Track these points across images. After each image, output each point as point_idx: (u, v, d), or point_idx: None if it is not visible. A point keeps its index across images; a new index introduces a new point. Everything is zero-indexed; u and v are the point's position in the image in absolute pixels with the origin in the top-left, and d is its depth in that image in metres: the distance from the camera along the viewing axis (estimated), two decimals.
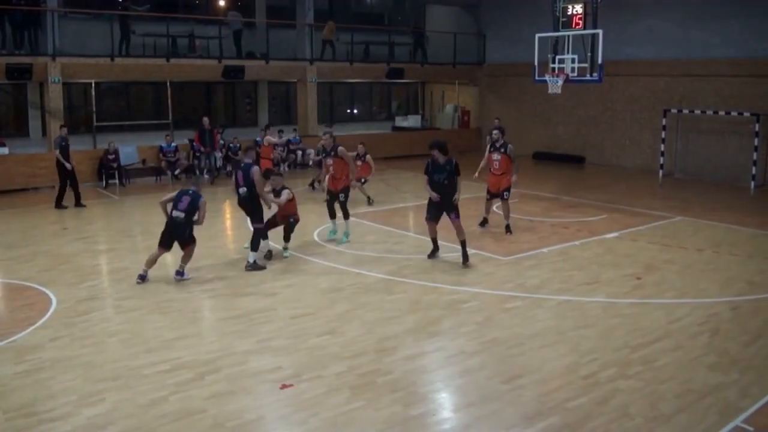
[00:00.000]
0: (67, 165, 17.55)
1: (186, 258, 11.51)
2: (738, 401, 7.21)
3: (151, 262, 11.39)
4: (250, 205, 12.31)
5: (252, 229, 12.45)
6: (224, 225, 16.15)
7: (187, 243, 11.46)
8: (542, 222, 15.73)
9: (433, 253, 12.78)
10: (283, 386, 7.50)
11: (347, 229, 14.09)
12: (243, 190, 12.15)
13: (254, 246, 12.13)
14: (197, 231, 11.60)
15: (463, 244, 12.33)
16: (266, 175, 13.11)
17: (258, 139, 20.60)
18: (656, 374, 7.87)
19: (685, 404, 7.13)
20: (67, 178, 17.67)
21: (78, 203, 17.87)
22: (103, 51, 21.54)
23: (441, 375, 8.01)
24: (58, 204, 17.59)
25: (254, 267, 12.02)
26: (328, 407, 7.04)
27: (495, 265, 12.47)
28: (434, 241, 12.76)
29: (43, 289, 10.87)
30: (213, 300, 10.61)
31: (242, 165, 12.28)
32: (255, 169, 12.10)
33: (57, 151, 17.62)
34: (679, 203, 18.43)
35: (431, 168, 12.17)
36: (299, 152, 24.69)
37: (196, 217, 11.31)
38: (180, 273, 11.46)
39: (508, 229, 14.66)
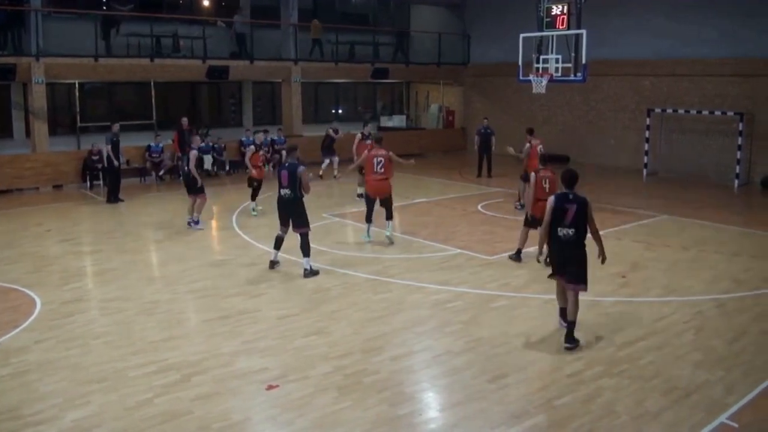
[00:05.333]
0: (115, 162, 18.38)
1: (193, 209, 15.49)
2: (723, 398, 7.26)
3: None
4: (293, 207, 11.67)
5: (298, 235, 11.77)
6: (209, 226, 16.09)
7: (193, 193, 15.45)
8: None
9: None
10: (269, 387, 7.49)
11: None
12: (286, 191, 11.60)
13: (307, 251, 11.73)
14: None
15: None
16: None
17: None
18: (642, 372, 7.91)
19: (671, 401, 7.17)
20: (111, 173, 18.65)
21: (110, 199, 18.64)
22: (87, 51, 21.42)
23: (427, 374, 8.02)
24: (116, 199, 18.65)
25: (312, 273, 11.72)
26: (315, 407, 7.04)
27: (480, 264, 12.49)
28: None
29: (28, 291, 10.81)
30: (199, 301, 10.57)
31: (286, 165, 11.67)
32: (302, 168, 11.52)
33: (108, 147, 18.31)
34: (664, 202, 18.53)
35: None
36: (284, 152, 24.55)
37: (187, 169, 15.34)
38: (193, 222, 15.45)
39: None
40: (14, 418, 6.80)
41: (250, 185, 16.94)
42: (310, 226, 11.91)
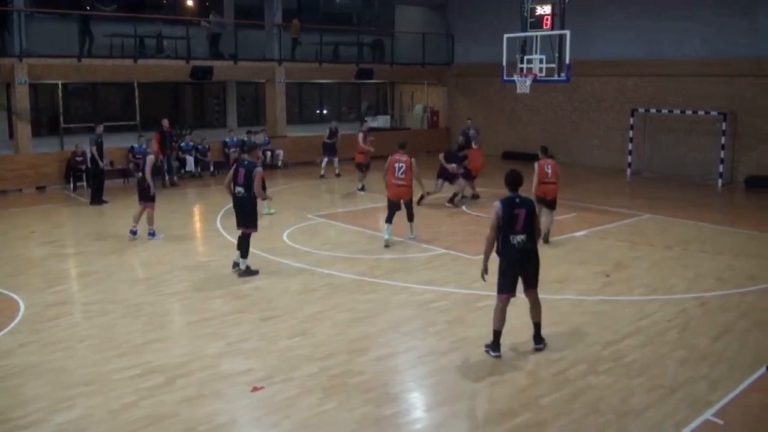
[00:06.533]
0: (101, 163, 18.34)
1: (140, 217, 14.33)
2: (708, 395, 7.31)
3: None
4: (246, 207, 11.61)
5: (242, 233, 11.73)
6: (193, 228, 16.05)
7: (143, 200, 14.35)
8: None
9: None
10: (254, 389, 7.47)
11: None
12: (240, 189, 11.46)
13: (245, 251, 11.71)
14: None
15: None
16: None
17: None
18: (626, 370, 7.95)
19: (656, 399, 7.21)
20: (95, 175, 18.55)
21: (94, 201, 18.44)
22: (71, 52, 21.29)
23: (413, 375, 8.03)
24: (99, 200, 18.42)
25: (248, 272, 11.69)
26: (300, 409, 7.03)
27: (465, 264, 12.51)
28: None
29: (11, 294, 10.71)
30: (183, 303, 10.53)
31: (245, 163, 11.54)
32: (259, 170, 11.50)
33: (93, 148, 18.19)
34: (648, 201, 18.61)
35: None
36: (268, 153, 24.50)
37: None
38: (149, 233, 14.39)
39: None
40: (0, 422, 6.75)
41: None
42: (258, 227, 11.97)
